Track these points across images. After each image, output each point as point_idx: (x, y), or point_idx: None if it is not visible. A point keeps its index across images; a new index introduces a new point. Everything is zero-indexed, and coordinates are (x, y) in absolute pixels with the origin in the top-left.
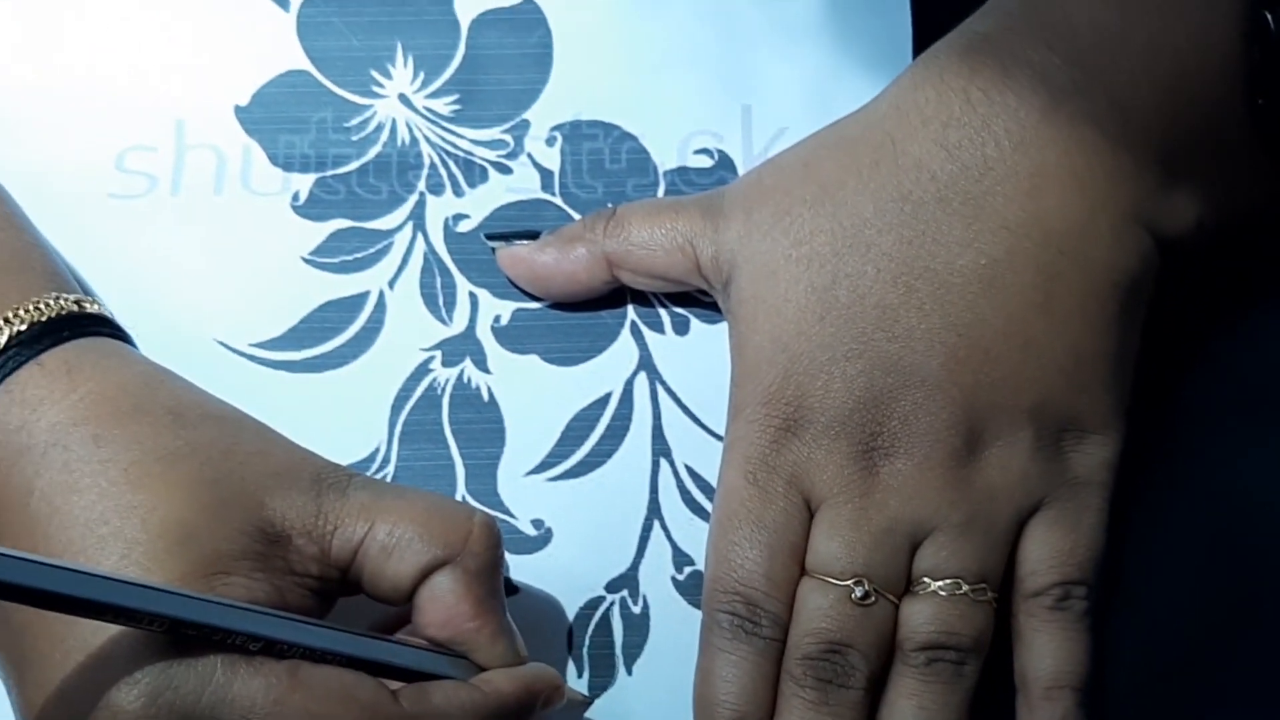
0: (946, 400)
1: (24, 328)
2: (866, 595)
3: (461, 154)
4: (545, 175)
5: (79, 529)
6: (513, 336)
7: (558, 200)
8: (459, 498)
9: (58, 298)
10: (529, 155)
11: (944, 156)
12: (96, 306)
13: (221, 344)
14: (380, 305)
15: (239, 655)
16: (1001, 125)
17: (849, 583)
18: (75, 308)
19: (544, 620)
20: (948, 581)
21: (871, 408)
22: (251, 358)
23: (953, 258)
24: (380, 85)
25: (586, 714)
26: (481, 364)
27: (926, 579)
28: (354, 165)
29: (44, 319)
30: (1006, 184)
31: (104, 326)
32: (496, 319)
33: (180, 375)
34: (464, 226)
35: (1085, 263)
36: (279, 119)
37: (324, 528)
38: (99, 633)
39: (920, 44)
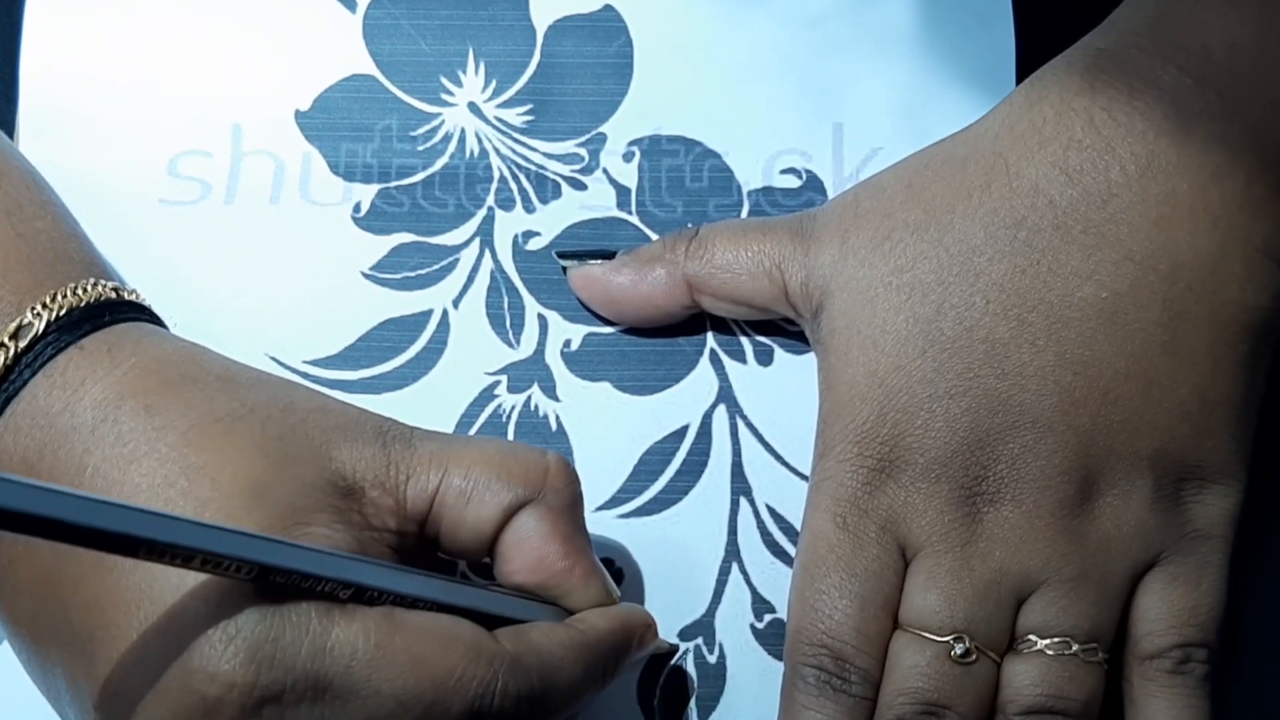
0: (1059, 444)
1: (62, 313)
2: (967, 653)
3: (533, 168)
4: (622, 192)
5: (144, 495)
6: (584, 362)
7: (634, 219)
8: None
9: (95, 284)
10: (605, 171)
11: (1063, 181)
12: (136, 295)
13: (274, 359)
14: (443, 325)
15: (331, 603)
16: (1128, 149)
17: (948, 639)
18: (114, 295)
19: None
20: (1056, 640)
21: (976, 450)
22: (305, 375)
23: (1070, 290)
24: (449, 93)
25: None
26: (550, 391)
27: (1033, 637)
28: (419, 176)
29: (82, 304)
30: (1132, 212)
31: (143, 313)
32: (567, 343)
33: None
34: (534, 244)
35: (1215, 301)
36: (341, 126)
37: (396, 478)
38: (178, 592)
39: (1024, 62)
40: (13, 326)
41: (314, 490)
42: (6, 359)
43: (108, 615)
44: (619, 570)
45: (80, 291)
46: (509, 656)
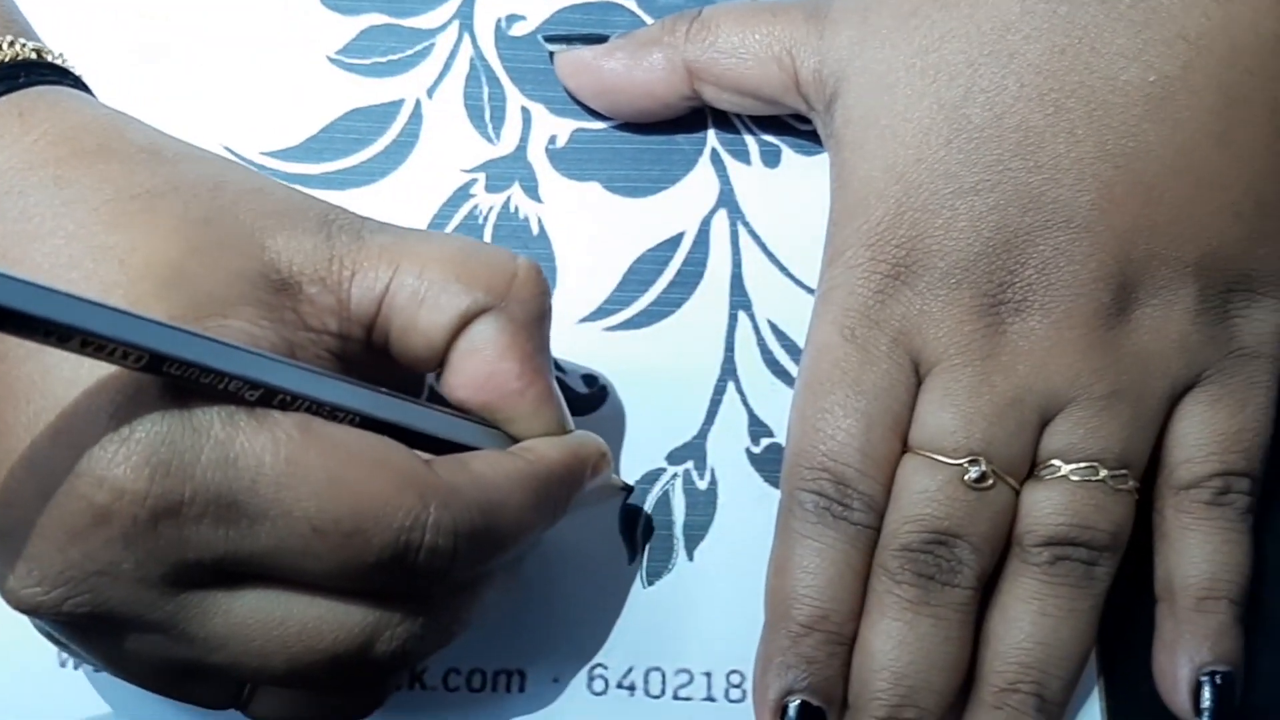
0: (1096, 246)
1: None
2: (983, 477)
3: None
4: None
5: (44, 277)
6: (571, 160)
7: (630, 4)
8: None
9: (13, 42)
10: None
11: None
12: (61, 59)
13: (229, 150)
14: (416, 116)
15: (238, 407)
16: None
17: (962, 462)
18: (34, 55)
19: (592, 493)
20: (1082, 465)
21: (1003, 252)
22: (262, 168)
23: (1114, 72)
24: None
25: (640, 601)
26: (532, 191)
27: (1057, 461)
28: None
29: None
30: None
31: (66, 77)
32: (552, 139)
33: None
34: (519, 29)
35: (1277, 87)
36: None
37: (339, 273)
38: (73, 388)
39: None
40: None
41: (240, 280)
42: None
43: None
44: (603, 388)
45: None
46: (445, 487)
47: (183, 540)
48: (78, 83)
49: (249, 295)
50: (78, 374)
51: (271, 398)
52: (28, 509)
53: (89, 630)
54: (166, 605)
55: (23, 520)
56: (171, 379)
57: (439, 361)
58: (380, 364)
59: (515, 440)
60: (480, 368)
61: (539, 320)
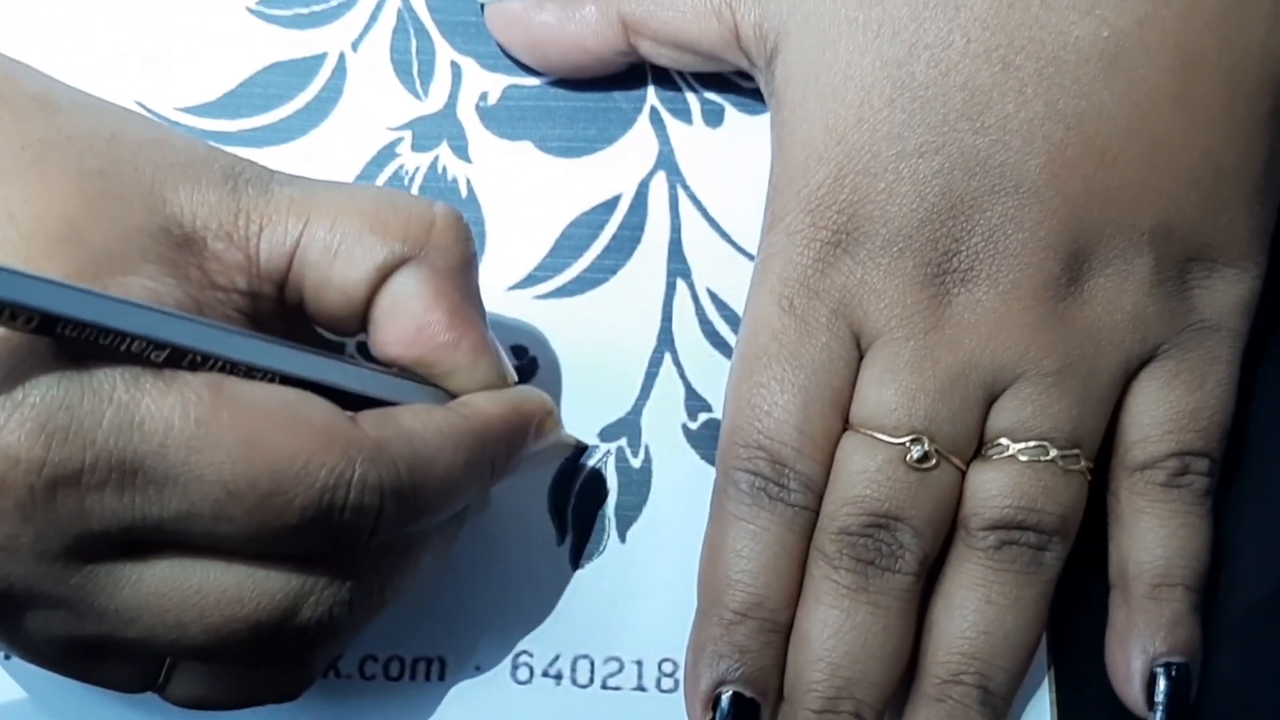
0: (1046, 212)
1: None
2: (926, 457)
3: None
4: None
5: None
6: (502, 119)
7: None
8: None
9: None
10: None
11: None
12: None
13: (142, 106)
14: (339, 71)
15: (143, 369)
16: None
17: (904, 440)
18: None
19: (542, 452)
20: (1031, 444)
21: (948, 219)
22: (177, 125)
23: (1066, 28)
24: None
25: (569, 585)
26: (461, 151)
27: (1004, 440)
28: None
29: None
30: None
31: None
32: (483, 96)
33: None
34: None
35: (1237, 45)
36: None
37: (246, 228)
38: None
39: None
40: None
41: (139, 235)
42: None
43: None
44: (533, 360)
45: None
46: (370, 442)
47: (85, 510)
48: None
49: (150, 251)
50: None
51: (180, 358)
52: None
53: None
54: (71, 579)
55: None
56: (68, 341)
57: (359, 320)
58: (298, 326)
59: (455, 397)
60: (407, 322)
61: (463, 268)
